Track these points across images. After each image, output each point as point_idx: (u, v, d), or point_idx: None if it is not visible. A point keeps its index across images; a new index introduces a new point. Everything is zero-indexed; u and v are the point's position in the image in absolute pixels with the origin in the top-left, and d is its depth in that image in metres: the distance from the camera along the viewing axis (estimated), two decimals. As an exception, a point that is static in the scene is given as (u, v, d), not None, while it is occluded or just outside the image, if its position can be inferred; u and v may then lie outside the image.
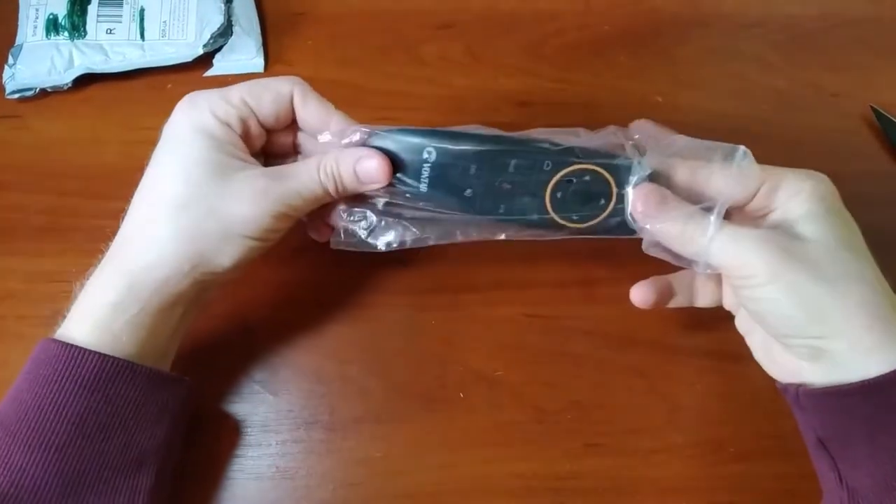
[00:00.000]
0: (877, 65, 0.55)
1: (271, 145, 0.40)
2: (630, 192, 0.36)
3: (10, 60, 0.51)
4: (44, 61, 0.51)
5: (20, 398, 0.33)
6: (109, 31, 0.52)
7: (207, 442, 0.41)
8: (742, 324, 0.39)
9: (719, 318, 0.40)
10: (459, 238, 0.38)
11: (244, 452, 0.41)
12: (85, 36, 0.52)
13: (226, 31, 0.52)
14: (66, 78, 0.50)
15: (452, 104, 0.52)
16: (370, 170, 0.36)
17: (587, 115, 0.51)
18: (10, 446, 0.32)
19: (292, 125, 0.39)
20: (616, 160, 0.36)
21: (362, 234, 0.38)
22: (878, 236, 0.48)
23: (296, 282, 0.45)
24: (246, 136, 0.37)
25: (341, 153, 0.36)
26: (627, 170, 0.36)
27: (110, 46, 0.52)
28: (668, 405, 0.43)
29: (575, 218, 0.37)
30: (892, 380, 0.32)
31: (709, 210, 0.34)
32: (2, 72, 0.51)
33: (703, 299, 0.40)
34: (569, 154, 0.36)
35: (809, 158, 0.50)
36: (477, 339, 0.44)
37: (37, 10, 0.52)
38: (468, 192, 0.36)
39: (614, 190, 0.36)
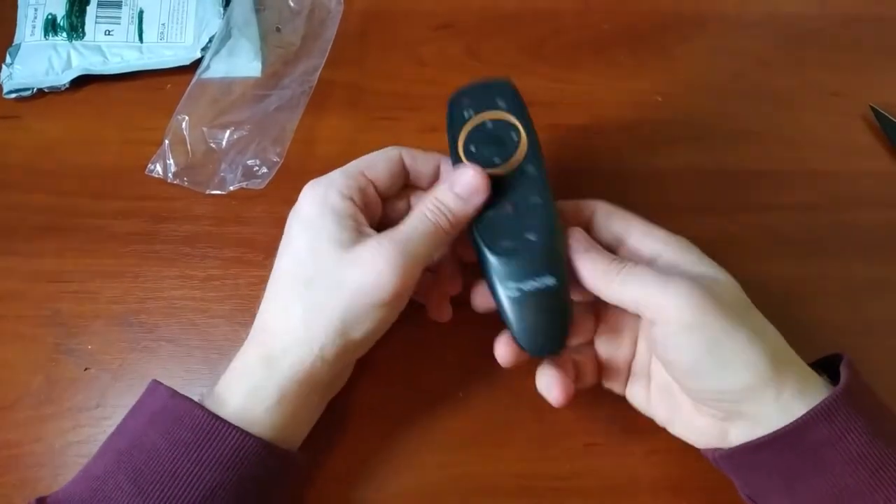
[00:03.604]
0: (877, 65, 0.55)
1: (387, 214, 0.40)
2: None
3: (8, 60, 0.51)
4: (41, 61, 0.51)
5: (157, 454, 0.33)
6: (108, 33, 0.52)
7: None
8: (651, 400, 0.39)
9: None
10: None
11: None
12: (83, 37, 0.52)
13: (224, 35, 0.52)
14: (64, 79, 0.50)
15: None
16: (467, 184, 0.36)
17: (587, 115, 0.51)
18: None
19: (405, 190, 0.40)
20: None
21: None
22: (878, 236, 0.48)
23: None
24: (366, 207, 0.37)
25: (437, 185, 0.37)
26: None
27: (108, 48, 0.52)
28: (668, 405, 0.43)
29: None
30: (798, 427, 0.32)
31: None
32: None
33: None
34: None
35: (809, 158, 0.51)
36: (477, 338, 0.44)
37: (35, 9, 0.52)
38: None
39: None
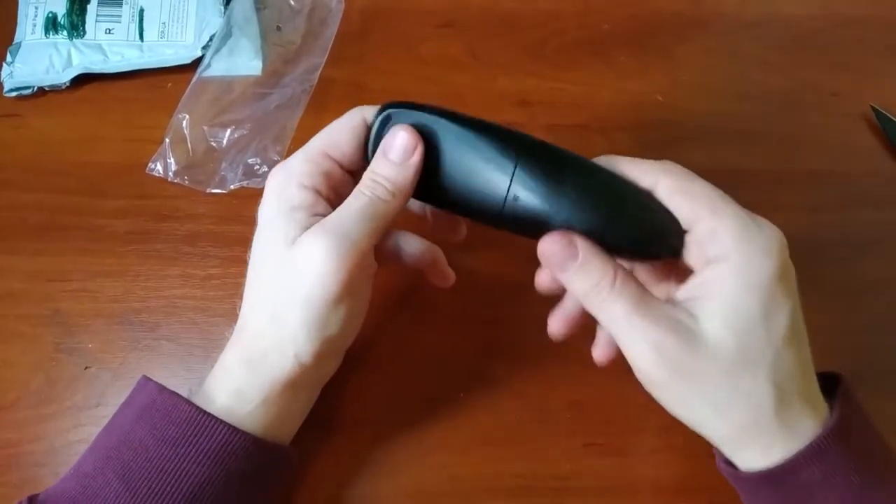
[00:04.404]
0: (877, 65, 0.55)
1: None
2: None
3: (9, 58, 0.51)
4: (42, 60, 0.51)
5: (145, 449, 0.32)
6: (108, 31, 0.52)
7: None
8: None
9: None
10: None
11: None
12: (84, 35, 0.52)
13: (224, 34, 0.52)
14: (65, 77, 0.50)
15: (452, 103, 0.50)
16: (399, 146, 0.33)
17: (587, 115, 0.51)
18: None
19: None
20: None
21: None
22: (878, 236, 0.48)
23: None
24: (333, 191, 0.35)
25: (373, 162, 0.34)
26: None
27: (109, 46, 0.51)
28: (668, 405, 0.43)
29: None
30: (790, 467, 0.31)
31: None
32: (0, 70, 0.51)
33: None
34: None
35: (809, 158, 0.51)
36: (477, 338, 0.44)
37: (36, 8, 0.52)
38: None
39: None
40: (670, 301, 0.32)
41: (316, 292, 0.32)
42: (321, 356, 0.34)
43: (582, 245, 0.31)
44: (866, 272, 0.47)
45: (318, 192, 0.34)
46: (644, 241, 0.32)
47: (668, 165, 0.33)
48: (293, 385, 0.34)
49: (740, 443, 0.32)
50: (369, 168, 0.34)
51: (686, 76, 0.54)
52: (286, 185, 0.34)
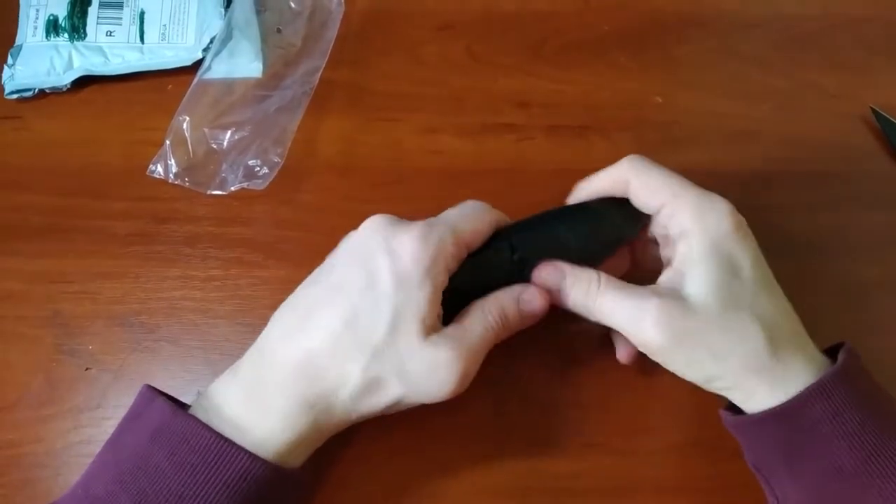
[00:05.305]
0: (877, 65, 0.55)
1: None
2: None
3: (10, 60, 0.51)
4: (43, 62, 0.51)
5: (162, 476, 0.31)
6: (109, 34, 0.52)
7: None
8: None
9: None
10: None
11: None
12: (85, 38, 0.52)
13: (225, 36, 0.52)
14: (65, 79, 0.50)
15: (452, 105, 0.52)
16: (535, 307, 0.37)
17: (587, 115, 0.51)
18: None
19: None
20: None
21: None
22: (878, 236, 0.48)
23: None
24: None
25: (502, 296, 0.37)
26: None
27: (110, 49, 0.52)
28: (668, 405, 0.43)
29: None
30: (796, 404, 0.33)
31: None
32: (1, 72, 0.51)
33: None
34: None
35: (809, 158, 0.51)
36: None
37: (37, 10, 0.52)
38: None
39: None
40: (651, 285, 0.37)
41: (427, 398, 0.35)
42: (366, 417, 0.35)
43: (564, 265, 0.37)
44: (865, 272, 0.47)
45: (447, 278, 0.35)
46: (607, 244, 0.40)
47: (632, 164, 0.38)
48: (331, 430, 0.36)
49: (747, 388, 0.35)
50: (502, 304, 0.36)
51: (686, 76, 0.54)
52: (437, 261, 0.34)
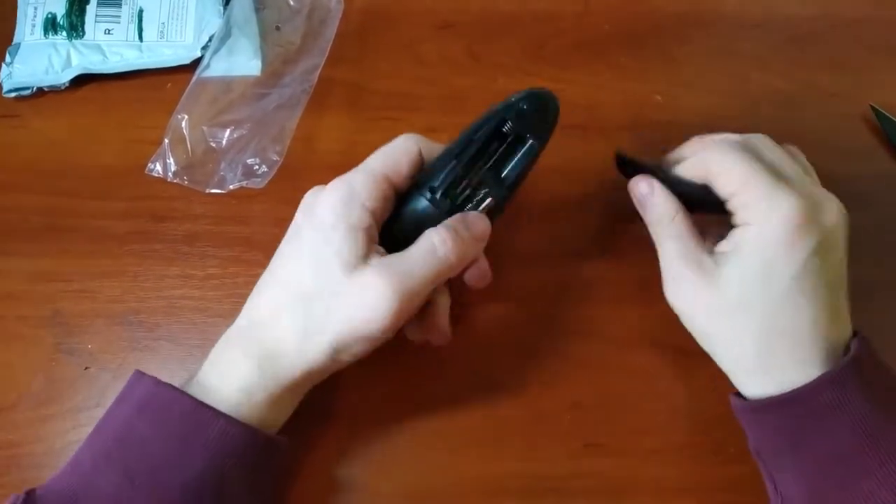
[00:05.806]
0: (877, 65, 0.55)
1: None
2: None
3: (8, 59, 0.51)
4: (41, 60, 0.51)
5: (146, 443, 0.33)
6: (108, 32, 0.52)
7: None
8: None
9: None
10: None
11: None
12: (83, 36, 0.52)
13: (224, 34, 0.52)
14: (64, 77, 0.50)
15: (452, 104, 0.51)
16: (482, 230, 0.37)
17: (587, 115, 0.51)
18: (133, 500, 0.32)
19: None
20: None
21: None
22: (878, 236, 0.48)
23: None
24: (382, 213, 0.37)
25: (453, 223, 0.36)
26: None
27: (108, 47, 0.51)
28: (668, 405, 0.43)
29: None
30: (803, 394, 0.34)
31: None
32: (-1, 70, 0.51)
33: None
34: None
35: (809, 158, 0.50)
36: (477, 339, 0.44)
37: (35, 8, 0.52)
38: None
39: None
40: (713, 246, 0.38)
41: (363, 328, 0.34)
42: (330, 368, 0.37)
43: (657, 185, 0.39)
44: (865, 272, 0.47)
45: (374, 215, 0.36)
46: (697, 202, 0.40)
47: (710, 153, 0.39)
48: (299, 387, 0.37)
49: (737, 382, 0.37)
50: (454, 229, 0.36)
51: (686, 76, 0.54)
52: (350, 202, 0.35)
